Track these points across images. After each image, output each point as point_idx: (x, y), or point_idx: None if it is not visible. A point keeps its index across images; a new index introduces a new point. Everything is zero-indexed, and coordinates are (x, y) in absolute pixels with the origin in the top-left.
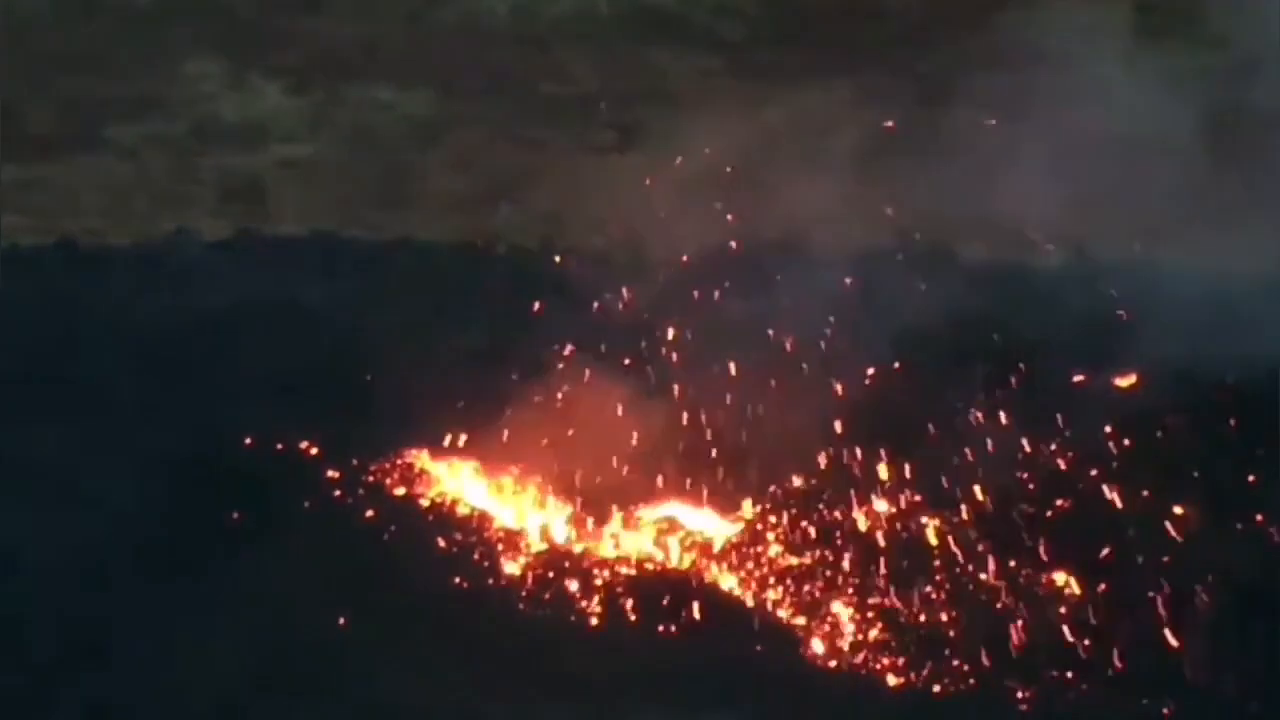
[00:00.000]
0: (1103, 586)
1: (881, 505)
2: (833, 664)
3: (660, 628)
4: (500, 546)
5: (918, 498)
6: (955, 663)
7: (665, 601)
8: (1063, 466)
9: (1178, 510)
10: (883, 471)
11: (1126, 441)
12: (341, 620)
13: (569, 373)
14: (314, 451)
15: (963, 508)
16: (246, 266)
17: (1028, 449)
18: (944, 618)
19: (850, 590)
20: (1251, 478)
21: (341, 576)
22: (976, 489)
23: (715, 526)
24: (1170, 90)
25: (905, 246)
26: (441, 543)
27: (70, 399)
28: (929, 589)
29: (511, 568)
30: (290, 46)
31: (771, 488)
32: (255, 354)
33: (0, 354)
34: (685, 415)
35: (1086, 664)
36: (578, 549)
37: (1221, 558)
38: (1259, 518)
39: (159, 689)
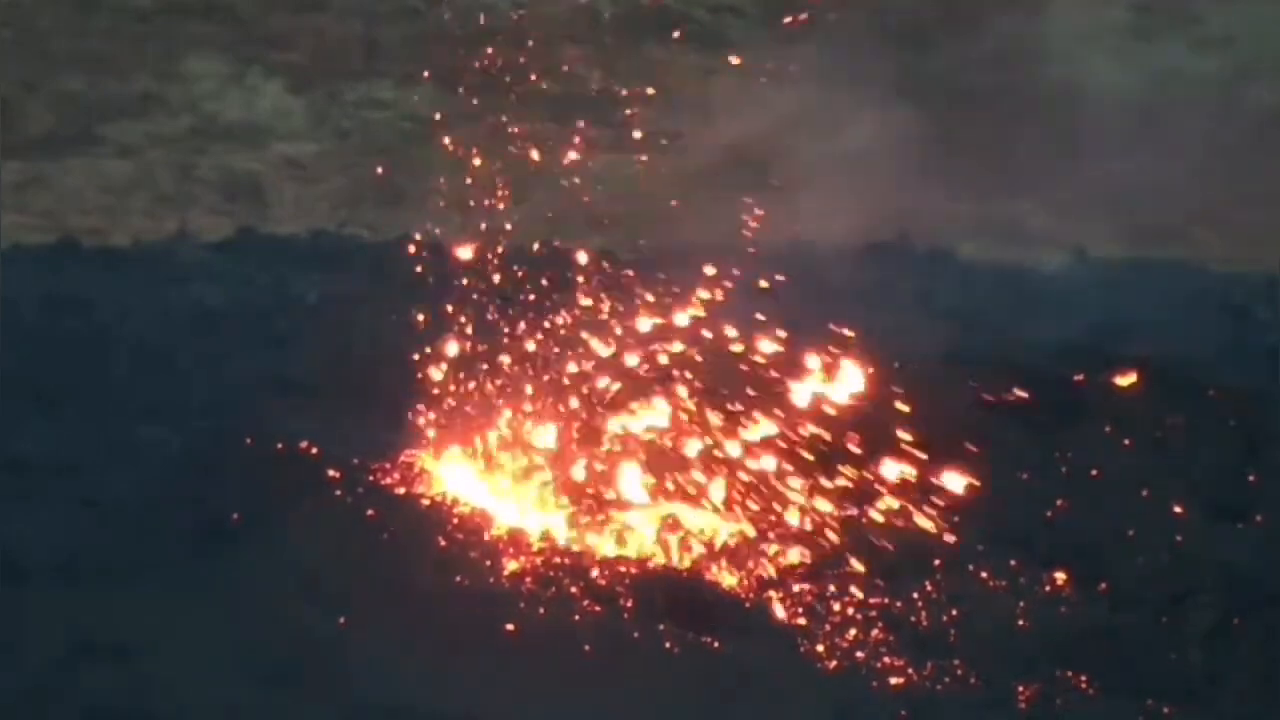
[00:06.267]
0: (1103, 586)
1: (881, 505)
2: (833, 664)
3: (660, 627)
4: (500, 546)
5: (918, 497)
6: (955, 663)
7: (665, 601)
8: (1063, 467)
9: (1178, 510)
10: (883, 471)
11: (1126, 441)
12: (341, 620)
13: (570, 372)
14: (314, 451)
15: (962, 508)
16: (246, 266)
17: (1028, 449)
18: (944, 618)
19: (850, 590)
20: (1251, 478)
21: (341, 576)
22: (977, 489)
23: (715, 526)
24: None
25: (905, 246)
26: (441, 543)
27: (70, 399)
28: (929, 589)
29: (512, 567)
30: (290, 46)
31: (772, 487)
32: (255, 354)
33: (0, 354)
34: (688, 414)
35: (1086, 664)
36: (578, 549)
37: (1221, 558)
38: (1259, 518)
39: (157, 689)
